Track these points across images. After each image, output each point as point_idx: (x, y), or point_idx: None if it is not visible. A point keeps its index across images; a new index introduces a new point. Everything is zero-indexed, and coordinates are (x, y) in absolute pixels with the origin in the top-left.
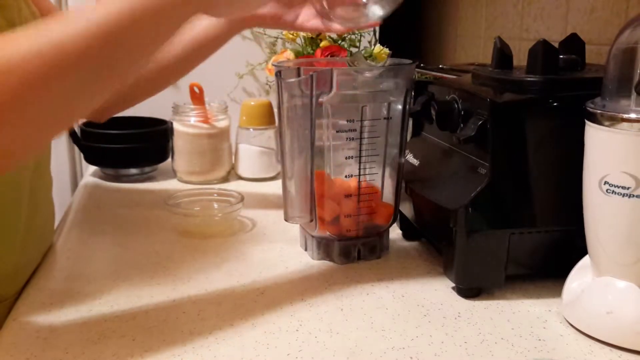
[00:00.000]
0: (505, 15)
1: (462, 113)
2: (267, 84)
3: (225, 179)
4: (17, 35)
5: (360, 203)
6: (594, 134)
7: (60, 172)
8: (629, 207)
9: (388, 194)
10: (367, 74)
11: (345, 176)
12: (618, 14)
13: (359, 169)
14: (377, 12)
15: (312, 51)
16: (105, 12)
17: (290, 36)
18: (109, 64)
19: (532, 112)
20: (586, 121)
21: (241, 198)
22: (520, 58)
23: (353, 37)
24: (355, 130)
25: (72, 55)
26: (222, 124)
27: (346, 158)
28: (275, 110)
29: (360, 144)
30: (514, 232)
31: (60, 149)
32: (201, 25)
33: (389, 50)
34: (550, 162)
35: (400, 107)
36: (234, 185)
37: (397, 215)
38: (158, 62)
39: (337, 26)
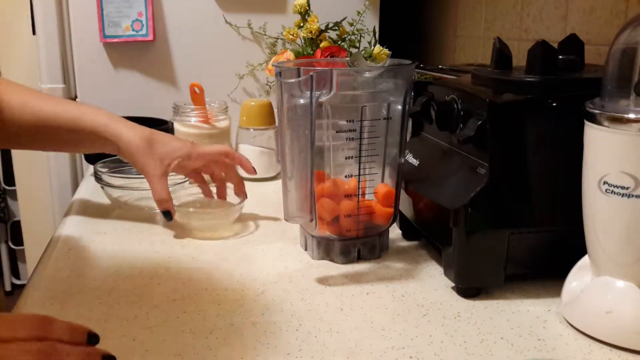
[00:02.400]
0: (504, 15)
1: (462, 113)
2: (267, 84)
3: None
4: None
5: (360, 203)
6: (593, 134)
7: (61, 172)
8: (628, 207)
9: None
10: (367, 75)
11: (345, 176)
12: (617, 14)
13: (359, 169)
14: None
15: (312, 52)
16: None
17: (291, 37)
18: None
19: (531, 113)
20: (585, 121)
21: (243, 198)
22: (519, 58)
23: (353, 37)
24: (355, 130)
25: None
26: (222, 124)
27: (346, 158)
28: (276, 110)
29: (360, 144)
30: (513, 232)
31: None
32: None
33: (389, 50)
34: (549, 162)
35: (400, 107)
36: None
37: (397, 215)
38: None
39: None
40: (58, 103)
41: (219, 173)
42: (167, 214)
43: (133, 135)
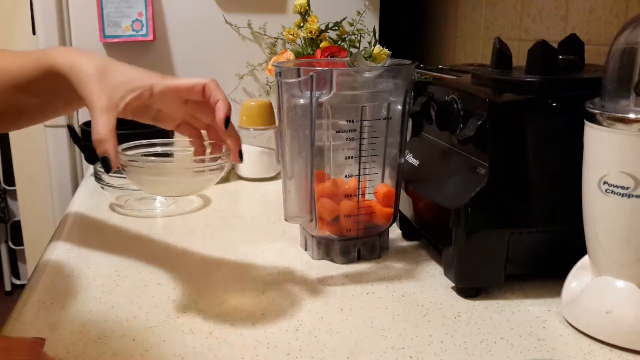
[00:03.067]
0: (504, 15)
1: (462, 113)
2: (267, 84)
3: (225, 179)
4: None
5: (360, 203)
6: (593, 134)
7: (61, 172)
8: (628, 207)
9: None
10: (367, 75)
11: (345, 176)
12: (617, 15)
13: (359, 169)
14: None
15: (312, 52)
16: None
17: (291, 37)
18: None
19: (531, 113)
20: (585, 121)
21: (234, 161)
22: (519, 58)
23: (353, 37)
24: (355, 130)
25: None
26: None
27: (346, 158)
28: (276, 110)
29: (360, 144)
30: (513, 232)
31: (61, 149)
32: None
33: (389, 50)
34: (549, 162)
35: (400, 107)
36: (234, 185)
37: (396, 215)
38: None
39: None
40: (27, 53)
41: (214, 128)
42: (106, 162)
43: (86, 64)
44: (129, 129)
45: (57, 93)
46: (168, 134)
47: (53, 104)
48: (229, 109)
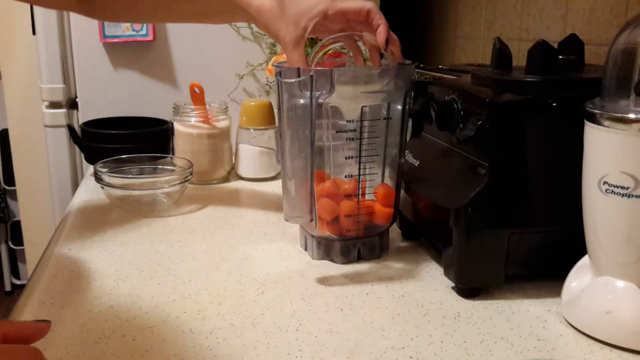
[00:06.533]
0: (504, 15)
1: (462, 113)
2: (267, 84)
3: (225, 179)
4: None
5: (360, 203)
6: (593, 134)
7: (61, 172)
8: (628, 207)
9: None
10: (367, 75)
11: (345, 176)
12: (617, 15)
13: (359, 169)
14: None
15: None
16: None
17: None
18: None
19: (531, 113)
20: (585, 121)
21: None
22: (519, 58)
23: None
24: (355, 130)
25: None
26: (222, 124)
27: (346, 158)
28: (276, 110)
29: (360, 144)
30: (513, 232)
31: (61, 149)
32: None
33: None
34: (549, 162)
35: (400, 107)
36: (234, 185)
37: (397, 215)
38: None
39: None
40: None
41: (369, 38)
42: None
43: None
44: (129, 129)
45: (212, 12)
46: (168, 135)
47: (203, 12)
48: (388, 32)
